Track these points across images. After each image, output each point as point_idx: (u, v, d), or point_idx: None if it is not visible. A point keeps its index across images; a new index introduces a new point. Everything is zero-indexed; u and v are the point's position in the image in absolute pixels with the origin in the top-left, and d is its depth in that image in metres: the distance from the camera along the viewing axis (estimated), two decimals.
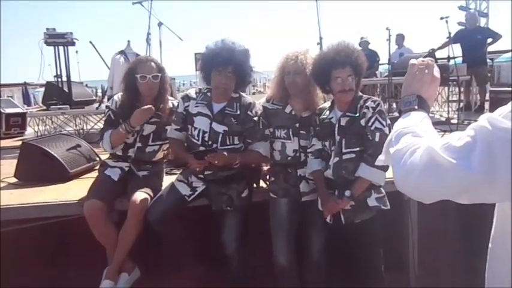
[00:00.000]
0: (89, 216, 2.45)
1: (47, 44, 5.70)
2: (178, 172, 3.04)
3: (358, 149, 2.22)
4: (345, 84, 2.19)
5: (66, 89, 5.88)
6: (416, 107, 1.03)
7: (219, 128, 2.45)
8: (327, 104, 2.38)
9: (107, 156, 2.85)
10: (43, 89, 6.96)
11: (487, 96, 6.71)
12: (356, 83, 2.24)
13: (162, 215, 2.42)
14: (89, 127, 6.12)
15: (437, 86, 1.09)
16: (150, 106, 2.54)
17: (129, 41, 6.06)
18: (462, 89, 6.30)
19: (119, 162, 2.72)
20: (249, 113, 2.49)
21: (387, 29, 5.54)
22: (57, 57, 5.83)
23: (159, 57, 5.87)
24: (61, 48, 5.84)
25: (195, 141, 2.47)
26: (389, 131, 2.18)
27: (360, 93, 2.31)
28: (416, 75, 1.07)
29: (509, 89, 5.70)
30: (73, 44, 5.83)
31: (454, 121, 5.39)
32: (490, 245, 0.96)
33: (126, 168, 2.71)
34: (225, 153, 2.36)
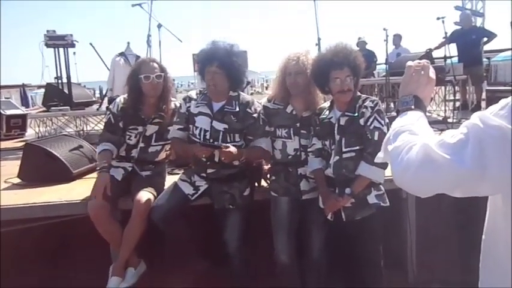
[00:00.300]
0: (93, 215, 2.50)
1: (47, 46, 5.74)
2: (180, 172, 3.10)
3: (357, 147, 2.27)
4: (343, 84, 2.24)
5: (66, 90, 5.92)
6: (413, 106, 1.08)
7: (220, 126, 2.50)
8: (327, 104, 2.43)
9: None
10: (41, 90, 7.01)
11: (484, 96, 6.77)
12: (354, 83, 2.29)
13: (166, 214, 2.46)
14: (89, 128, 6.16)
15: (433, 87, 1.15)
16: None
17: (128, 43, 6.11)
18: (458, 89, 6.36)
19: (122, 163, 2.76)
20: (248, 110, 2.54)
21: (384, 29, 5.60)
22: (58, 59, 5.87)
23: (159, 58, 5.90)
24: (61, 49, 5.88)
25: (196, 140, 2.52)
26: (388, 130, 2.25)
27: (359, 93, 2.37)
28: (413, 77, 1.13)
29: (506, 87, 5.76)
30: (73, 45, 5.88)
31: (451, 120, 5.44)
32: (483, 236, 1.01)
33: (130, 168, 2.76)
34: (232, 148, 2.37)
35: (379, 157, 1.08)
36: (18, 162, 3.30)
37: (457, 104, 6.36)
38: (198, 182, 2.57)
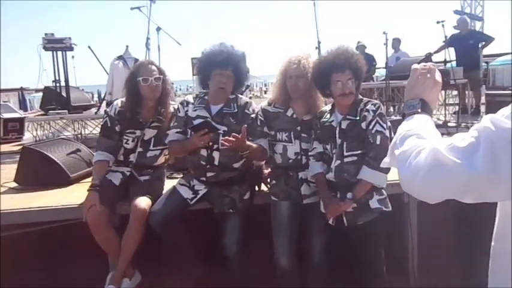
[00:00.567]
0: (90, 220, 2.46)
1: (46, 49, 5.72)
2: (179, 176, 3.06)
3: (359, 151, 2.24)
4: (345, 87, 2.22)
5: (64, 93, 5.89)
6: (419, 110, 1.06)
7: (219, 128, 2.46)
8: (328, 108, 2.40)
9: None
10: (39, 94, 6.98)
11: (483, 100, 6.77)
12: (356, 86, 2.27)
13: (164, 218, 2.43)
14: (87, 132, 6.12)
15: (439, 90, 1.12)
16: None
17: (127, 46, 6.09)
18: (457, 93, 6.36)
19: (120, 167, 2.73)
20: (246, 111, 2.53)
21: (384, 33, 5.60)
22: (56, 62, 5.85)
23: (158, 61, 5.88)
24: (59, 53, 5.86)
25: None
26: (390, 134, 2.24)
27: (360, 97, 2.34)
28: (419, 80, 1.10)
29: (506, 92, 5.76)
30: (71, 49, 5.86)
31: (451, 124, 5.43)
32: (492, 243, 0.98)
33: (128, 173, 2.72)
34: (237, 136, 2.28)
35: (385, 162, 1.05)
36: (16, 166, 3.26)
37: (457, 108, 6.35)
38: (197, 186, 2.54)
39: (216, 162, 2.46)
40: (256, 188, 2.74)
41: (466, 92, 6.80)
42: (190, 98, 2.63)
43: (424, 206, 2.87)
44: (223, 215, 2.51)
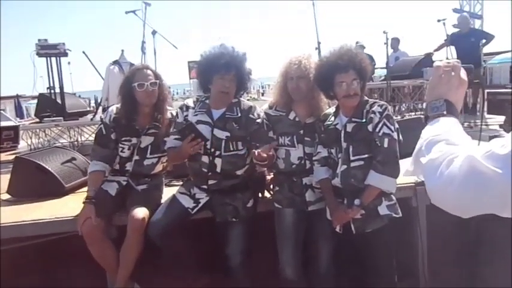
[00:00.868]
0: (85, 233, 2.36)
1: (39, 55, 5.60)
2: (178, 183, 2.95)
3: (366, 155, 2.14)
4: (349, 88, 2.12)
5: (59, 100, 5.77)
6: (444, 112, 0.95)
7: (222, 134, 2.36)
8: (332, 110, 2.30)
9: None
10: (35, 101, 6.85)
11: (479, 98, 6.69)
12: (361, 87, 2.17)
13: (164, 229, 2.32)
14: (83, 139, 6.00)
15: (465, 89, 1.02)
16: None
17: (122, 51, 5.99)
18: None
19: (116, 176, 2.62)
20: (251, 116, 2.40)
21: (384, 32, 5.51)
22: (50, 69, 5.73)
23: (154, 65, 5.79)
24: (53, 59, 5.74)
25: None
26: (398, 136, 2.13)
27: (366, 98, 2.24)
28: (442, 78, 1.00)
29: (507, 90, 5.67)
30: (66, 54, 5.73)
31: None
32: None
33: (124, 183, 2.61)
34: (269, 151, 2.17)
35: (408, 171, 0.95)
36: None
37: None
38: (198, 195, 2.43)
39: (218, 170, 2.35)
40: (260, 195, 2.63)
41: (466, 91, 6.71)
42: (190, 102, 2.49)
43: (433, 210, 2.78)
44: (225, 224, 2.41)
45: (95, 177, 2.51)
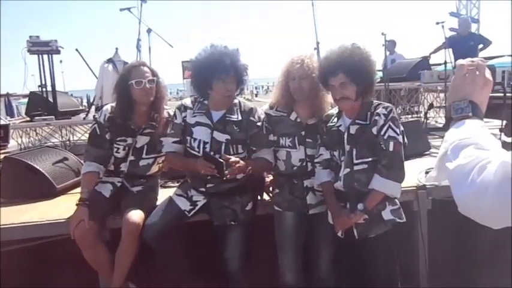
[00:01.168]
0: (78, 236, 2.27)
1: (31, 52, 5.46)
2: (174, 185, 2.88)
3: (370, 159, 2.07)
4: (336, 92, 2.05)
5: (51, 99, 5.64)
6: (470, 113, 0.89)
7: (221, 137, 2.27)
8: (335, 111, 2.23)
9: None
10: (26, 99, 6.71)
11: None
12: (361, 90, 2.06)
13: (160, 232, 2.24)
14: (75, 138, 5.89)
15: (490, 90, 0.95)
16: None
17: (117, 49, 5.89)
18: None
19: (110, 177, 2.53)
20: (251, 118, 2.32)
21: (383, 34, 5.48)
22: (42, 66, 5.60)
23: (149, 64, 5.70)
24: (45, 56, 5.61)
25: (195, 153, 2.29)
26: (403, 139, 2.07)
27: (372, 99, 2.16)
28: (467, 78, 0.93)
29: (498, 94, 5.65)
30: (58, 52, 5.60)
31: None
32: None
33: (119, 184, 2.53)
34: (240, 162, 2.14)
35: (431, 176, 0.88)
36: None
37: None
38: (196, 197, 2.35)
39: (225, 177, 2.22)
40: (259, 198, 2.56)
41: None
42: (188, 102, 2.39)
43: (434, 214, 2.73)
44: (224, 227, 2.34)
45: (88, 179, 2.42)
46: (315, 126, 2.30)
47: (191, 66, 2.34)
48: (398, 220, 2.11)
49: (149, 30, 5.48)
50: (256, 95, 28.18)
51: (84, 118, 5.68)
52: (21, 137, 5.61)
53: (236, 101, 2.36)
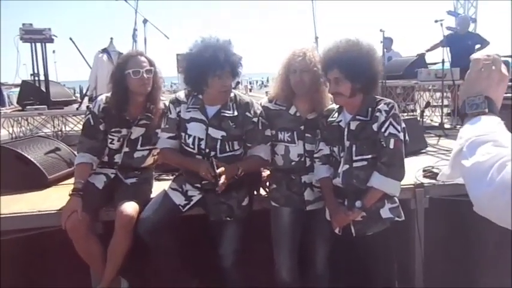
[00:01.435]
0: (70, 228, 2.21)
1: (23, 40, 5.34)
2: (168, 178, 2.83)
3: (370, 156, 2.03)
4: (331, 87, 2.03)
5: (43, 88, 5.52)
6: (486, 110, 0.85)
7: (217, 133, 2.21)
8: (336, 105, 2.19)
9: None
10: (18, 89, 6.59)
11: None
12: (353, 87, 1.99)
13: (154, 226, 2.19)
14: (68, 129, 5.80)
15: (506, 85, 0.92)
16: None
17: (111, 39, 5.79)
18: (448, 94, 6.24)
19: (104, 169, 2.48)
20: (247, 114, 2.25)
21: (381, 30, 5.44)
22: (35, 55, 5.49)
23: None
24: (38, 45, 5.49)
25: (189, 149, 2.24)
26: (404, 136, 2.04)
27: (374, 95, 2.12)
28: (482, 73, 0.90)
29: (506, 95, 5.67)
30: (51, 40, 5.48)
31: (447, 126, 5.33)
32: None
33: (112, 175, 2.48)
34: (223, 168, 2.09)
35: (444, 174, 0.85)
36: None
37: (448, 110, 6.23)
38: (191, 192, 2.30)
39: (213, 173, 2.15)
40: (255, 193, 2.52)
41: (458, 94, 6.70)
42: (181, 95, 2.31)
43: (431, 213, 2.72)
44: (219, 222, 2.29)
45: (82, 169, 2.36)
46: (314, 121, 2.26)
47: (183, 63, 2.23)
48: (397, 218, 2.08)
49: (145, 21, 5.39)
50: (250, 90, 28.08)
51: (77, 109, 5.59)
52: (12, 127, 5.52)
53: (232, 94, 2.28)
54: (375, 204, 2.04)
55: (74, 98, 6.66)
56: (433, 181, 2.73)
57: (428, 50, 6.54)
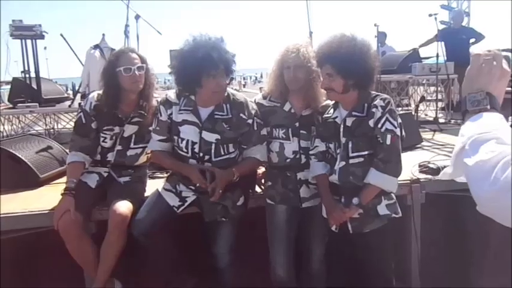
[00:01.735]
0: (62, 228, 2.17)
1: (13, 36, 5.26)
2: (162, 176, 2.79)
3: (366, 152, 2.01)
4: (323, 82, 2.01)
5: (34, 85, 5.45)
6: (488, 106, 0.83)
7: (211, 137, 2.16)
8: (331, 101, 2.17)
9: None
10: (9, 86, 6.50)
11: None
12: (345, 83, 1.96)
13: (149, 228, 2.15)
14: (60, 126, 5.73)
15: (507, 81, 0.90)
16: None
17: (103, 35, 5.72)
18: (442, 88, 6.24)
19: (97, 167, 2.44)
20: (241, 115, 2.19)
21: (375, 25, 5.42)
22: (25, 51, 5.40)
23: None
24: (29, 41, 5.41)
25: (183, 153, 2.19)
26: (401, 132, 2.02)
27: (370, 91, 2.10)
28: (483, 68, 0.88)
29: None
30: (42, 37, 5.41)
31: (441, 120, 5.33)
32: None
33: (105, 174, 2.44)
34: (218, 180, 2.07)
35: (446, 173, 0.82)
36: None
37: (442, 104, 6.24)
38: (185, 193, 2.25)
39: (208, 177, 2.11)
40: (250, 191, 2.49)
41: (452, 88, 6.70)
42: (172, 96, 2.21)
43: (428, 208, 2.71)
44: (214, 222, 2.26)
45: (74, 169, 2.32)
46: (309, 117, 2.23)
47: (175, 63, 2.14)
48: (394, 215, 2.07)
49: (137, 17, 5.32)
50: (244, 86, 27.96)
51: (69, 106, 5.52)
52: (3, 125, 5.45)
53: (225, 93, 2.21)
54: (372, 201, 2.02)
55: (66, 95, 6.59)
56: (429, 176, 2.72)
57: (422, 45, 6.53)
